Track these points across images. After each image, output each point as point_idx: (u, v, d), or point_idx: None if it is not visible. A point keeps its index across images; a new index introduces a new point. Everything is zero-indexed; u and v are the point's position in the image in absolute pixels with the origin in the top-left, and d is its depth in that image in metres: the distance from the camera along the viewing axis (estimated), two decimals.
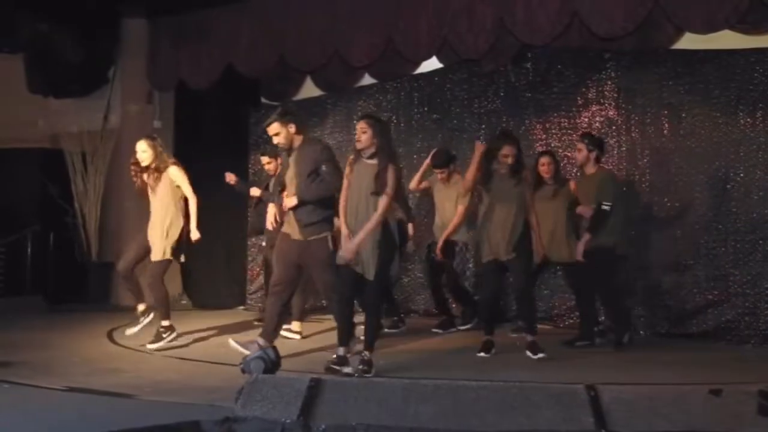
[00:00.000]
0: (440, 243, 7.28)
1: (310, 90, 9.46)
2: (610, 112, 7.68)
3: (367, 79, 9.05)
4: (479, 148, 6.18)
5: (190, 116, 9.66)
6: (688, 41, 7.08)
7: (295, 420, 3.44)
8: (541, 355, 5.84)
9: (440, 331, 7.37)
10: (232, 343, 5.78)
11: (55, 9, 8.58)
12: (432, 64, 8.44)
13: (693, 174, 7.11)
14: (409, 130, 8.82)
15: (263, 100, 9.87)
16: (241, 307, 9.30)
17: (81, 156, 9.65)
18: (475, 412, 3.46)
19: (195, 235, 6.50)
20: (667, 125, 7.32)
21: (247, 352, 5.42)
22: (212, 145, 9.29)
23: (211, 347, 6.46)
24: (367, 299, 5.45)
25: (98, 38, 9.44)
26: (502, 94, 8.32)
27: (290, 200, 5.66)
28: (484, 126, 8.39)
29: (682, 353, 6.26)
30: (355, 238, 5.27)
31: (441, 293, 7.64)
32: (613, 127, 7.61)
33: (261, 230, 7.67)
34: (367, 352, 5.31)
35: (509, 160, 6.05)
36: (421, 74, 8.72)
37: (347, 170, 5.47)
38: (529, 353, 5.90)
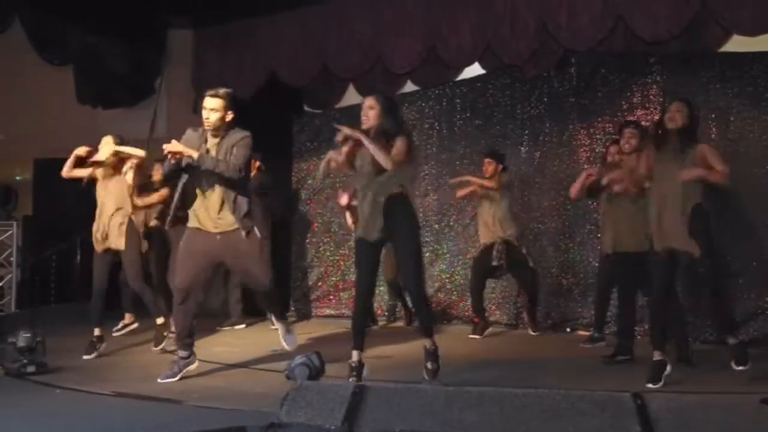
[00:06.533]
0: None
1: (352, 97, 9.49)
2: (656, 117, 7.56)
3: (410, 86, 9.06)
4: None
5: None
6: (736, 43, 6.96)
7: (339, 426, 3.45)
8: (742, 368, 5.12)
9: (478, 336, 7.43)
10: (160, 381, 5.34)
11: (103, 21, 8.75)
12: (474, 70, 8.42)
13: (742, 178, 6.95)
14: (452, 136, 8.81)
15: (306, 107, 9.95)
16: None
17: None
18: (520, 419, 3.43)
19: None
20: (714, 129, 7.20)
21: (175, 378, 5.34)
22: (256, 152, 9.36)
23: (256, 354, 6.50)
24: (408, 285, 5.19)
25: (145, 49, 9.63)
26: (545, 99, 8.27)
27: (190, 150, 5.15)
28: (527, 132, 8.35)
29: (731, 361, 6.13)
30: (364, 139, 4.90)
31: (482, 298, 7.70)
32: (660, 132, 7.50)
33: None
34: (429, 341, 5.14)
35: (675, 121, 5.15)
36: (464, 80, 8.71)
37: (347, 151, 5.06)
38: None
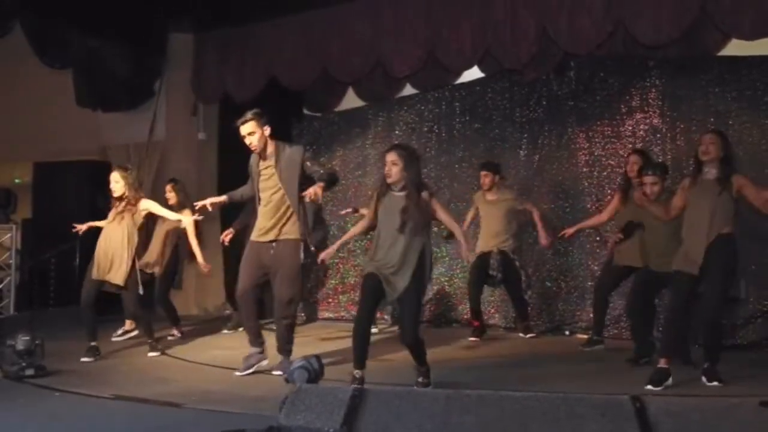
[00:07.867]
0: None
1: (352, 101, 9.52)
2: (655, 120, 7.59)
3: (409, 89, 9.08)
4: None
5: (233, 128, 9.76)
6: (735, 47, 6.98)
7: (338, 429, 3.45)
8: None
9: (478, 339, 7.45)
10: (239, 374, 5.62)
11: (103, 25, 8.75)
12: (473, 73, 8.43)
13: None
14: (451, 139, 8.82)
15: (306, 111, 9.96)
16: None
17: None
18: (520, 422, 3.43)
19: (204, 264, 7.21)
20: None
21: (250, 371, 5.53)
22: None
23: None
24: (405, 335, 5.12)
25: (145, 52, 9.63)
26: (544, 102, 8.28)
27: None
28: (526, 135, 8.36)
29: (730, 364, 6.13)
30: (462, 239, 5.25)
31: (480, 301, 7.71)
32: (658, 135, 7.53)
33: None
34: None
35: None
36: (463, 84, 8.73)
37: (374, 201, 5.23)
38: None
